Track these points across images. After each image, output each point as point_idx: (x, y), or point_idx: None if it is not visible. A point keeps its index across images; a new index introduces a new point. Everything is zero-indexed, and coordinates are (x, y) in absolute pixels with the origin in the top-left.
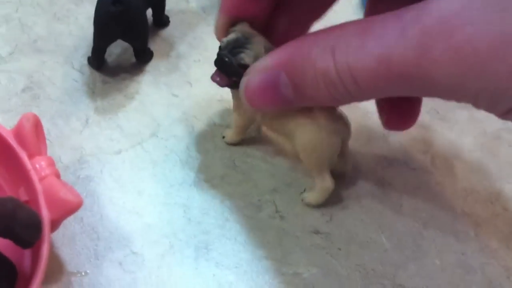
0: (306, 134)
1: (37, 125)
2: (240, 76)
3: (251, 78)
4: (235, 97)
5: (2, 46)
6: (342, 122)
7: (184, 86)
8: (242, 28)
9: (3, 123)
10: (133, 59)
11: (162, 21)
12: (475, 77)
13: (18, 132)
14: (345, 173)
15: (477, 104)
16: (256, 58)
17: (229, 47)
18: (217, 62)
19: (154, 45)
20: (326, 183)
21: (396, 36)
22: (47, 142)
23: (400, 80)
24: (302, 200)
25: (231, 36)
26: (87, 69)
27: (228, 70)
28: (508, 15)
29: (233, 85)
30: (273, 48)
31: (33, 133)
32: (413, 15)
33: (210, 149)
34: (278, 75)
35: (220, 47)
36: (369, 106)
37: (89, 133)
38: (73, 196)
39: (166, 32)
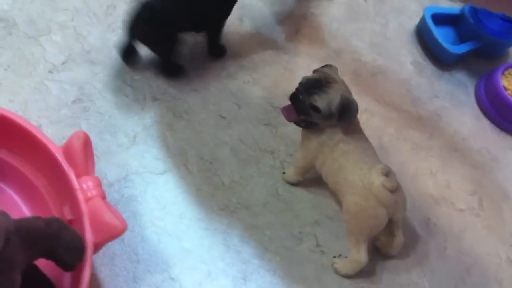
0: (354, 196)
1: (86, 144)
2: (309, 116)
3: None
4: (304, 136)
5: (56, 55)
6: (397, 196)
7: (232, 107)
8: (327, 71)
9: (52, 134)
10: (183, 78)
11: (218, 49)
12: None
13: (67, 150)
14: (389, 255)
15: None
16: (328, 104)
17: (307, 85)
18: (292, 96)
19: (204, 64)
20: (359, 256)
21: None
22: (94, 157)
23: None
24: (332, 264)
25: (313, 75)
26: (138, 84)
27: (299, 107)
28: None
29: (300, 123)
30: (351, 98)
31: (82, 152)
32: None
33: (253, 175)
34: None
35: (300, 83)
36: (418, 137)
37: (136, 151)
38: (118, 221)
39: None
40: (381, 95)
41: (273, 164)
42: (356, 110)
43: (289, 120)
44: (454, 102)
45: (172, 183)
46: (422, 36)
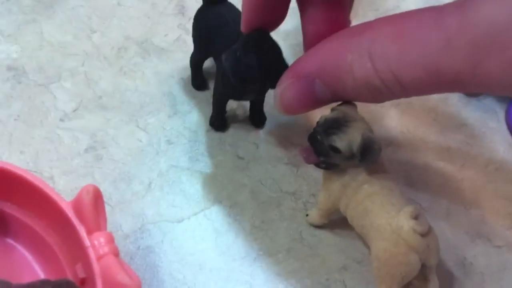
0: (382, 242)
1: (97, 198)
2: (329, 157)
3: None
4: (325, 177)
5: (67, 102)
6: (429, 239)
7: (250, 147)
8: (345, 109)
9: (64, 186)
10: (196, 118)
11: (261, 116)
12: None
13: (77, 205)
14: None
15: None
16: (349, 144)
17: (325, 125)
18: (310, 137)
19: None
20: None
21: (441, 46)
22: (108, 207)
23: (452, 86)
24: None
25: (331, 114)
26: (151, 128)
27: (318, 148)
28: None
29: (320, 164)
30: (374, 136)
31: (92, 207)
32: (458, 26)
33: (275, 219)
34: (313, 82)
35: (317, 123)
36: (449, 170)
37: (151, 198)
38: (131, 280)
39: None
40: (407, 126)
41: (295, 206)
42: (380, 149)
43: (308, 162)
44: (484, 129)
45: (190, 232)
46: None
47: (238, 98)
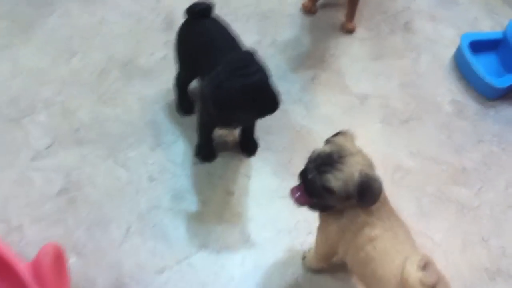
0: None
1: (58, 258)
2: (323, 198)
3: None
4: (321, 218)
5: (40, 137)
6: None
7: (241, 180)
8: (341, 142)
9: (34, 236)
10: (182, 148)
11: (252, 144)
12: None
13: (36, 267)
14: None
15: None
16: (345, 184)
17: (318, 161)
18: (301, 176)
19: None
20: None
21: None
22: (82, 258)
23: None
24: None
25: (325, 148)
26: (132, 163)
27: (310, 189)
28: None
29: (313, 206)
30: (373, 174)
31: (52, 269)
32: None
33: (269, 263)
34: None
35: (309, 158)
36: (464, 195)
37: (130, 246)
38: None
39: None
40: (417, 146)
41: (291, 247)
42: (380, 189)
43: (300, 204)
44: (504, 145)
45: (173, 284)
46: (460, 68)
47: (223, 126)
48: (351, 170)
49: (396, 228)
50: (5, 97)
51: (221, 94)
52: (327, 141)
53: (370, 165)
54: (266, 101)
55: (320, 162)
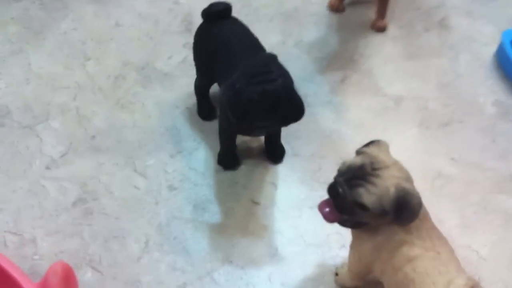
0: None
1: (67, 278)
2: (355, 215)
3: None
4: (354, 234)
5: (55, 146)
6: None
7: (266, 189)
8: (374, 153)
9: (48, 249)
10: (203, 155)
11: (279, 150)
12: None
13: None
14: None
15: None
16: (380, 199)
17: (348, 174)
18: (329, 190)
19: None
20: None
21: None
22: (98, 274)
23: None
24: None
25: (356, 160)
26: (151, 171)
27: (340, 204)
28: None
29: (344, 223)
30: (410, 188)
31: None
32: None
33: (298, 280)
34: None
35: (339, 171)
36: (510, 205)
37: (149, 261)
38: None
39: None
40: (458, 151)
41: (322, 262)
42: (419, 205)
43: (329, 221)
44: None
45: None
46: (503, 67)
47: (245, 134)
48: (386, 184)
49: (438, 248)
50: (18, 104)
51: (240, 103)
52: (358, 152)
53: (408, 178)
54: (290, 108)
55: (351, 175)
